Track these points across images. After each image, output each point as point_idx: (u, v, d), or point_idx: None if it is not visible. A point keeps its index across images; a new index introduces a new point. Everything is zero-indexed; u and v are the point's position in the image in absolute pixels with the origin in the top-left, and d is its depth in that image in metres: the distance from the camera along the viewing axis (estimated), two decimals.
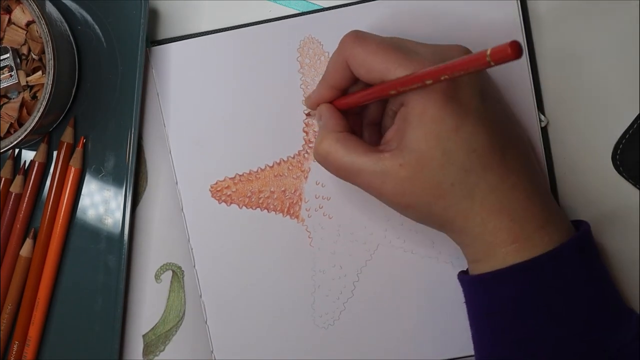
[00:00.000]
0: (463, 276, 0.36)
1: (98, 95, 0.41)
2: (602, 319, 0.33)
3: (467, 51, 0.34)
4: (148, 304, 0.42)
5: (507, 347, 0.34)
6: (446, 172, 0.32)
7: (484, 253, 0.33)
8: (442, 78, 0.28)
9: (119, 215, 0.41)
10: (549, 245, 0.33)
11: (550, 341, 0.33)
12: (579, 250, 0.33)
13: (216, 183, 0.41)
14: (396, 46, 0.33)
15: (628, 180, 0.40)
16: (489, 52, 0.24)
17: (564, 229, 0.34)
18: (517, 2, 0.40)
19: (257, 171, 0.41)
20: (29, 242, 0.41)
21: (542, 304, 0.33)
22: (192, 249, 0.41)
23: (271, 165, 0.41)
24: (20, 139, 0.38)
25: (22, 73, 0.39)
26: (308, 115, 0.41)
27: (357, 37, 0.34)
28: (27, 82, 0.39)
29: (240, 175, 0.41)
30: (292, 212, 0.41)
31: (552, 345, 0.33)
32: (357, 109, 0.38)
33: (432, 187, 0.32)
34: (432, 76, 0.29)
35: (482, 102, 0.33)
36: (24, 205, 0.41)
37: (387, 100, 0.36)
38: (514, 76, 0.40)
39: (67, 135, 0.41)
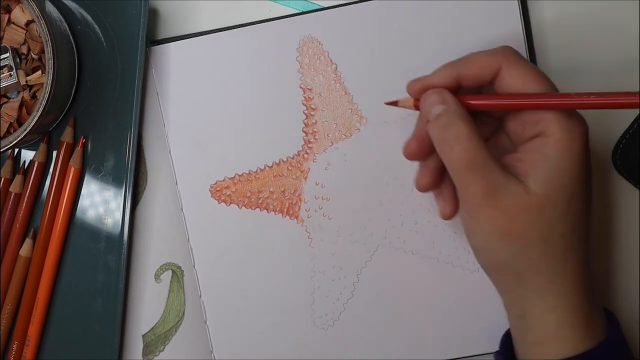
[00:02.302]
0: None
1: (98, 95, 0.41)
2: None
3: None
4: (148, 304, 0.42)
5: None
6: (565, 220, 0.30)
7: (545, 333, 0.31)
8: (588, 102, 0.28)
9: (118, 215, 0.41)
10: (594, 340, 0.31)
11: None
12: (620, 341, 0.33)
13: (216, 183, 0.41)
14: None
15: (628, 181, 0.40)
16: None
17: (604, 324, 0.33)
18: (518, 2, 0.40)
19: (256, 171, 0.41)
20: (28, 242, 0.41)
21: None
22: (191, 249, 0.41)
23: (270, 165, 0.41)
24: (19, 138, 0.38)
25: (21, 72, 0.39)
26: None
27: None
28: (26, 81, 0.39)
29: (239, 175, 0.41)
30: (291, 212, 0.41)
31: None
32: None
33: (545, 226, 0.30)
34: (585, 104, 0.29)
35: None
36: (24, 205, 0.41)
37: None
38: None
39: (67, 135, 0.41)
